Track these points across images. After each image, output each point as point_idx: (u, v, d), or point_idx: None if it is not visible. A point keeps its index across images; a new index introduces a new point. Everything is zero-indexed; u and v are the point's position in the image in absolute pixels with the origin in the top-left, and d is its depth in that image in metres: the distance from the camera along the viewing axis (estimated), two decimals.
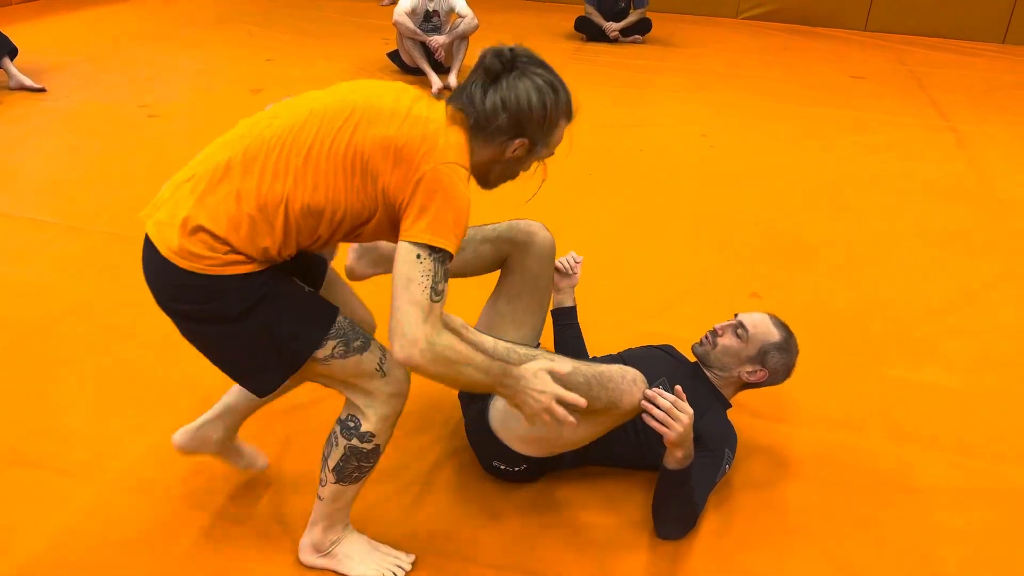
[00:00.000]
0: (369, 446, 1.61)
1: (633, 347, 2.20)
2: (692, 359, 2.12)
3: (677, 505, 1.83)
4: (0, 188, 3.59)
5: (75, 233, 3.21)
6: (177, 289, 1.46)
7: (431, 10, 5.50)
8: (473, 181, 1.59)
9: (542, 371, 1.54)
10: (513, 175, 1.63)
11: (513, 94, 1.48)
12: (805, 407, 2.37)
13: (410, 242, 1.42)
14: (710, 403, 1.98)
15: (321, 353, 1.52)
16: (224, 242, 1.43)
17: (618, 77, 5.82)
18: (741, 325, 2.03)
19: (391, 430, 1.64)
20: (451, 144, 1.47)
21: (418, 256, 1.41)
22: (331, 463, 1.63)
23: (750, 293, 3.00)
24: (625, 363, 2.06)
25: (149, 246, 1.49)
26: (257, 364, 1.52)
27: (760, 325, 2.03)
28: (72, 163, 3.93)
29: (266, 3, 7.96)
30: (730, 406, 2.07)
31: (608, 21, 6.88)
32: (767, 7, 8.23)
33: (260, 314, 1.47)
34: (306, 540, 1.75)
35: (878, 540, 1.91)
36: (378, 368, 1.57)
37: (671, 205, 3.77)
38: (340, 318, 1.55)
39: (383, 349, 1.59)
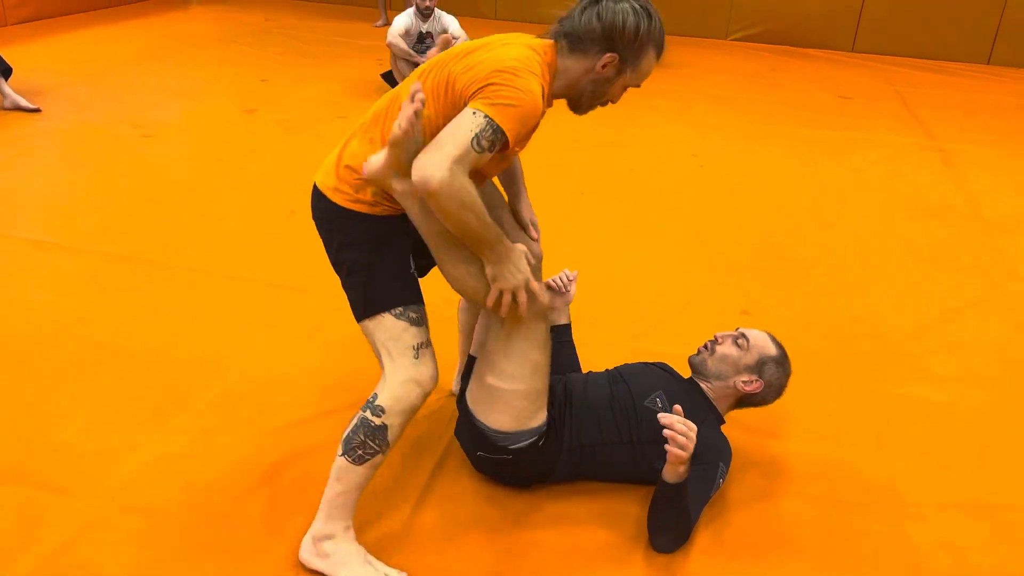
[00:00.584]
0: (377, 421, 1.71)
1: (629, 363, 2.22)
2: (687, 375, 2.15)
3: (674, 518, 1.85)
4: None
5: (69, 252, 3.22)
6: (322, 213, 1.81)
7: (424, 31, 5.56)
8: (567, 109, 1.81)
9: (523, 253, 1.73)
10: (601, 97, 1.78)
11: (610, 11, 1.67)
12: (796, 422, 2.39)
13: (471, 106, 1.59)
14: (704, 417, 2.00)
15: None
16: (357, 183, 1.75)
17: None
18: (743, 335, 2.08)
19: (402, 420, 1.72)
20: (522, 57, 1.64)
21: (475, 112, 1.58)
22: (344, 435, 1.75)
23: (740, 310, 3.03)
24: (622, 377, 2.08)
25: (315, 187, 1.82)
26: (351, 295, 1.80)
27: (760, 338, 2.09)
28: (66, 183, 3.95)
29: (261, 24, 8.03)
30: (723, 421, 2.09)
31: None
32: (756, 28, 8.34)
33: (365, 255, 1.76)
34: (308, 535, 1.80)
35: (869, 553, 1.93)
36: (413, 348, 1.74)
37: (661, 224, 3.81)
38: (423, 304, 1.79)
39: (429, 341, 1.78)
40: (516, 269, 1.69)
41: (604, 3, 1.67)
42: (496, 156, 1.73)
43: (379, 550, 1.84)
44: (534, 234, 2.08)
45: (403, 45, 5.42)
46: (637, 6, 1.67)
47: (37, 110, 4.95)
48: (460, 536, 1.92)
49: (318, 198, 1.81)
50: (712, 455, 1.94)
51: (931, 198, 4.26)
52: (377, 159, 1.70)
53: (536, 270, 2.10)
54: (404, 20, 5.50)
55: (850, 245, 3.66)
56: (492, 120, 1.57)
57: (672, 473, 1.79)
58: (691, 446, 1.73)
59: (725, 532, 1.97)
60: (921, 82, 7.00)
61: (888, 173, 4.62)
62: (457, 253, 1.76)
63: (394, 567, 1.80)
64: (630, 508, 2.01)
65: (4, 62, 4.93)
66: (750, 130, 5.35)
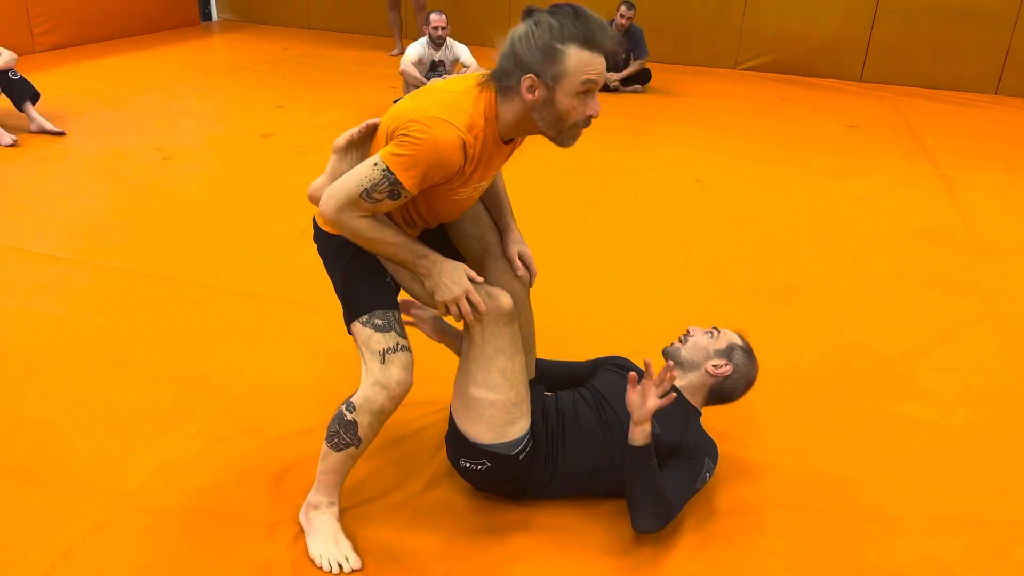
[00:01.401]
0: (349, 416, 1.85)
1: (604, 374, 2.27)
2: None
3: (647, 485, 1.89)
4: (19, 225, 3.74)
5: (89, 269, 3.35)
6: (314, 236, 1.98)
7: (437, 60, 5.72)
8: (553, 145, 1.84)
9: (462, 269, 1.83)
10: (562, 119, 1.71)
11: (511, 35, 1.68)
12: (786, 436, 2.45)
13: (379, 154, 1.72)
14: (686, 415, 2.08)
15: None
16: None
17: (616, 124, 6.00)
18: (715, 328, 2.21)
19: (370, 419, 1.82)
20: (447, 104, 1.70)
21: (375, 164, 1.71)
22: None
23: (736, 330, 3.09)
24: (606, 401, 2.13)
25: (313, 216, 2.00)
26: (341, 302, 1.94)
27: (729, 332, 2.23)
28: (88, 203, 4.10)
29: (279, 52, 8.24)
30: (700, 413, 2.17)
31: (608, 71, 7.10)
32: (765, 58, 8.46)
33: (341, 269, 1.91)
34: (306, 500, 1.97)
35: (854, 564, 1.98)
36: (381, 353, 1.83)
37: (662, 246, 3.89)
38: (393, 311, 1.88)
39: (399, 347, 1.84)
40: (451, 282, 1.81)
41: (507, 36, 1.70)
42: (438, 195, 1.82)
43: (374, 556, 1.92)
44: (519, 270, 2.08)
45: (415, 73, 5.57)
46: (537, 19, 1.66)
47: (62, 133, 5.12)
48: (451, 544, 1.98)
49: (313, 224, 1.99)
50: (698, 450, 2.02)
51: (932, 223, 4.32)
52: (317, 181, 1.89)
53: (522, 297, 2.12)
54: (417, 49, 5.66)
55: (848, 267, 3.72)
56: (390, 172, 1.69)
57: (639, 434, 1.88)
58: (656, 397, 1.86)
59: (710, 541, 2.02)
60: (929, 111, 7.08)
61: (890, 198, 4.69)
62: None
63: (385, 570, 1.87)
64: (619, 517, 2.08)
65: (32, 87, 5.11)
66: (754, 156, 5.44)
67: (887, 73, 8.15)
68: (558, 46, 1.64)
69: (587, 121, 1.74)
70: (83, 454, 2.23)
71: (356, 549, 1.91)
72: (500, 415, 1.94)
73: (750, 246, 3.93)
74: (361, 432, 1.84)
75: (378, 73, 7.49)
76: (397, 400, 1.84)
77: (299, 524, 1.98)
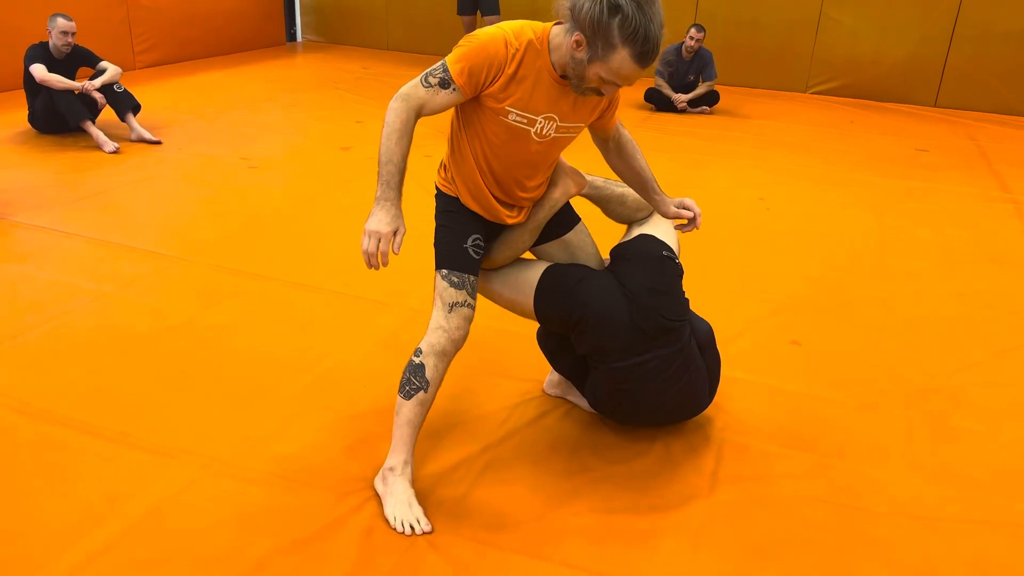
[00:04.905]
0: (416, 360, 2.09)
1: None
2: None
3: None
4: (120, 223, 4.08)
5: (182, 263, 3.64)
6: (436, 192, 2.26)
7: None
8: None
9: (398, 222, 1.96)
10: (583, 79, 1.87)
11: None
12: (832, 440, 2.52)
13: None
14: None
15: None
16: (444, 166, 2.22)
17: (683, 144, 6.10)
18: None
19: (434, 361, 2.05)
20: (499, 24, 1.96)
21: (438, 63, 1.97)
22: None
23: (790, 340, 3.17)
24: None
25: None
26: (434, 249, 2.20)
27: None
28: (182, 205, 4.43)
29: (358, 71, 8.62)
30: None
31: (677, 93, 7.21)
32: (836, 82, 8.43)
33: (439, 223, 2.20)
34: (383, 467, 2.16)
35: (887, 559, 2.05)
36: (450, 305, 2.09)
37: (722, 259, 3.98)
38: (470, 275, 2.12)
39: (466, 303, 2.09)
40: (378, 220, 1.96)
41: None
42: (491, 116, 2.00)
43: (437, 517, 2.09)
44: (687, 213, 2.52)
45: None
46: (613, 2, 1.73)
47: (159, 142, 5.52)
48: (507, 514, 2.14)
49: (435, 185, 2.26)
50: None
51: (998, 247, 4.29)
52: None
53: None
54: None
55: (907, 286, 3.74)
56: (444, 62, 1.94)
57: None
58: None
59: (750, 531, 2.12)
60: (1004, 137, 6.96)
61: (955, 221, 4.67)
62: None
63: (447, 536, 2.03)
64: (664, 498, 2.20)
65: (134, 100, 5.53)
66: (819, 176, 5.47)
67: (963, 99, 8.02)
68: (616, 41, 1.76)
69: (599, 91, 1.91)
70: (175, 424, 2.47)
71: (427, 514, 2.08)
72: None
73: (809, 261, 3.98)
74: (428, 374, 2.06)
75: None
76: (457, 344, 2.07)
77: (369, 490, 2.17)
